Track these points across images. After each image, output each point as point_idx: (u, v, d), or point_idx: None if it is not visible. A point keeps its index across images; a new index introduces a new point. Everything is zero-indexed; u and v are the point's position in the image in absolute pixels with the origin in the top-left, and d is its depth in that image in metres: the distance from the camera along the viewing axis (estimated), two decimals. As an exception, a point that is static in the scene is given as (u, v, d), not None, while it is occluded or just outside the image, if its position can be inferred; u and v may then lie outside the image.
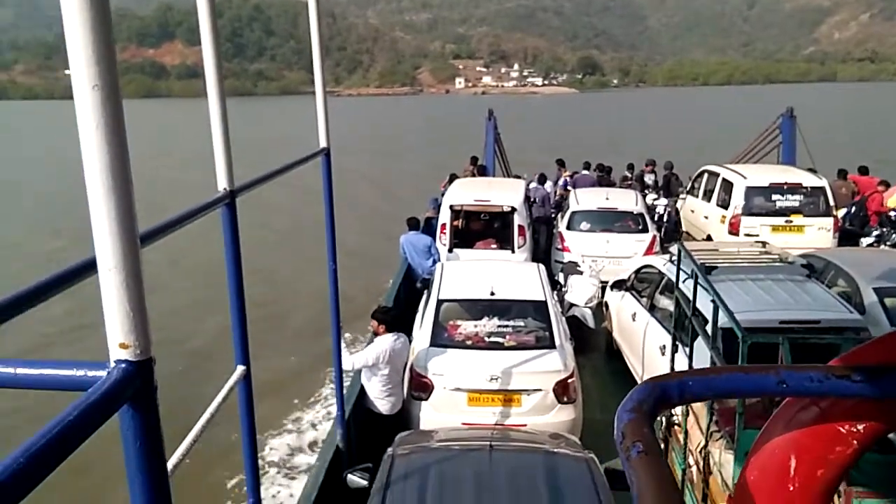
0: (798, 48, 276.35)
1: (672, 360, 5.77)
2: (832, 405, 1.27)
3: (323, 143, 4.40)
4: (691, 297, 5.61)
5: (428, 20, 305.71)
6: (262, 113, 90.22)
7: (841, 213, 12.22)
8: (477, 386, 6.30)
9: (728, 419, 4.30)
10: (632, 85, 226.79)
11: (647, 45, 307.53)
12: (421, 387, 6.37)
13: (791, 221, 11.45)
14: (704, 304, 5.69)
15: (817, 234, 11.38)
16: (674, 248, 8.01)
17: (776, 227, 11.43)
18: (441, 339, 6.71)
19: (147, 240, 1.73)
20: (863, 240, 12.26)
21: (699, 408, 4.75)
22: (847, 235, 12.07)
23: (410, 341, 6.90)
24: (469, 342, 6.70)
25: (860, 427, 1.27)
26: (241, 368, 2.98)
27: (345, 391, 5.81)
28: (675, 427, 5.58)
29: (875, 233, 12.30)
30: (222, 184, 2.73)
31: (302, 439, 8.76)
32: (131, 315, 1.06)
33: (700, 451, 4.45)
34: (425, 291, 8.59)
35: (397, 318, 6.75)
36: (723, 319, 5.26)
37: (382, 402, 6.35)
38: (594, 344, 9.42)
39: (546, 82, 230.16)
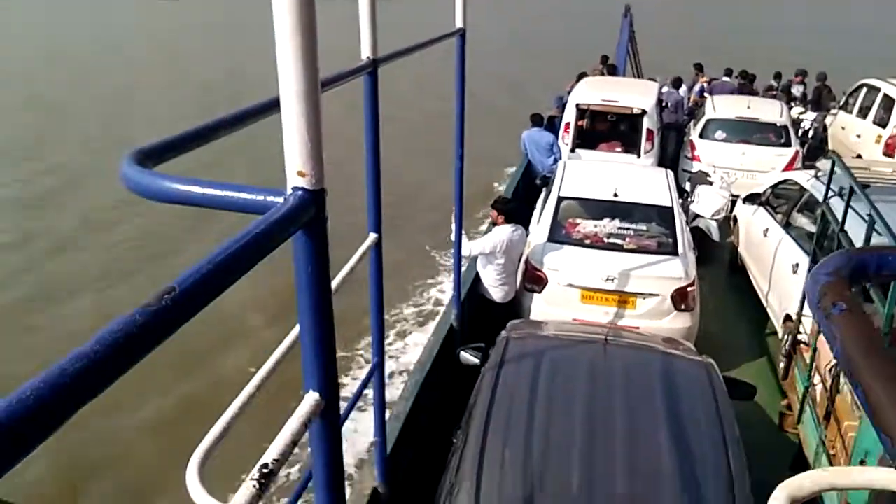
0: None
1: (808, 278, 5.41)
2: None
3: (460, 24, 4.28)
4: (840, 216, 5.18)
5: None
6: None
7: None
8: (592, 284, 6.23)
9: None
10: None
11: None
12: (535, 280, 6.37)
13: None
14: (852, 225, 5.26)
15: None
16: (822, 164, 7.39)
17: None
18: (559, 235, 6.63)
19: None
20: None
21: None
22: None
23: (527, 235, 6.86)
24: (587, 241, 6.59)
25: None
26: (373, 236, 3.06)
27: (462, 277, 5.91)
28: (802, 345, 5.31)
29: None
30: (366, 52, 2.74)
31: (418, 317, 9.18)
32: (309, 146, 1.09)
33: (830, 370, 4.22)
34: (544, 188, 8.45)
35: (516, 209, 6.70)
36: (879, 239, 4.85)
37: (496, 290, 6.42)
38: (717, 258, 9.03)
39: None
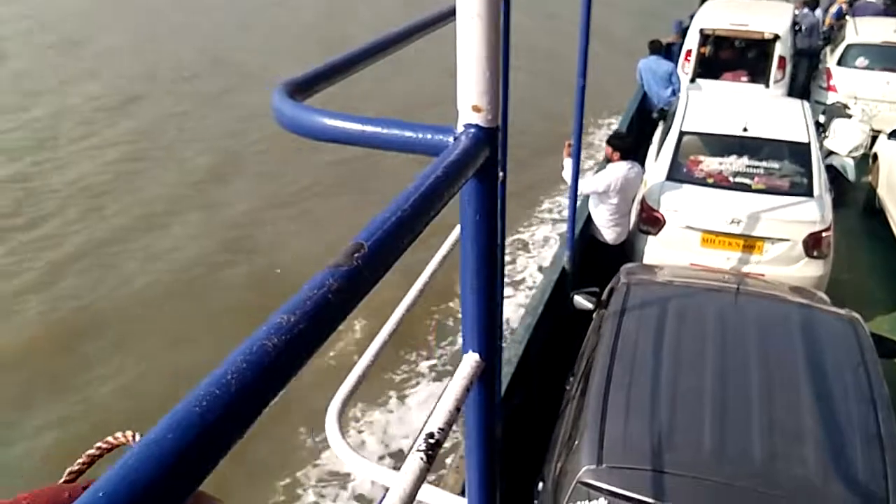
0: None
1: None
2: None
3: None
4: None
5: None
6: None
7: None
8: (714, 227, 5.84)
9: None
10: None
11: None
12: (651, 221, 6.04)
13: None
14: None
15: None
16: None
17: None
18: (679, 173, 6.22)
19: None
20: None
21: None
22: None
23: (644, 173, 6.49)
24: (710, 180, 6.15)
25: None
26: (499, 174, 2.91)
27: (576, 216, 5.68)
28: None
29: None
30: None
31: (531, 258, 9.08)
32: (487, 75, 0.93)
33: None
34: (661, 122, 7.96)
35: (633, 146, 6.32)
36: None
37: (608, 231, 6.15)
38: (851, 199, 8.29)
39: None
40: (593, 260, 6.11)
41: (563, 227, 6.81)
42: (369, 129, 1.04)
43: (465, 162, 0.93)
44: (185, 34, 20.02)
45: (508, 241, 9.31)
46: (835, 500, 2.62)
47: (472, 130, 0.97)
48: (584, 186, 6.00)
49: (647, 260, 6.01)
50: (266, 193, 10.84)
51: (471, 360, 1.14)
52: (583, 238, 6.20)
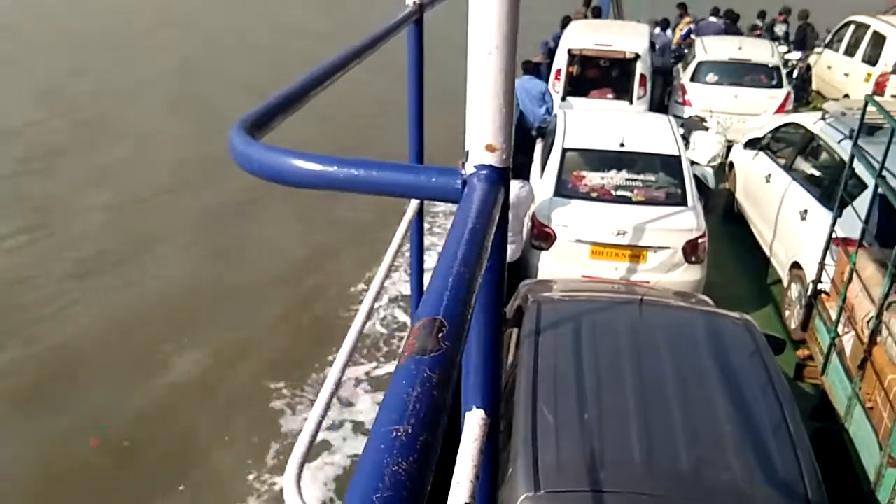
0: None
1: (832, 225, 5.30)
2: None
3: None
4: (861, 157, 5.05)
5: None
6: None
7: None
8: (602, 239, 6.07)
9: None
10: None
11: None
12: (543, 236, 6.18)
13: None
14: (862, 167, 5.15)
15: None
16: (829, 105, 7.24)
17: None
18: (565, 189, 6.42)
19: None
20: None
21: (870, 275, 4.36)
22: None
23: None
24: (594, 194, 6.40)
25: None
26: (414, 202, 2.84)
27: None
28: (823, 294, 5.24)
29: None
30: None
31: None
32: (503, 112, 0.86)
33: (868, 321, 4.12)
34: (539, 140, 8.20)
35: (523, 165, 6.46)
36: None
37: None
38: (713, 205, 8.91)
39: None
40: None
41: None
42: (361, 172, 0.94)
43: (489, 211, 0.85)
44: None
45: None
46: (763, 503, 2.73)
47: (485, 172, 0.89)
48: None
49: (541, 275, 6.14)
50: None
51: (477, 417, 1.05)
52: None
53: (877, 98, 10.00)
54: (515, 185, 6.01)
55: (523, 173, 6.41)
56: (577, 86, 10.03)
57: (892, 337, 3.80)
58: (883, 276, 4.14)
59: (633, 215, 6.13)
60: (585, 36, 10.01)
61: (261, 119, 1.11)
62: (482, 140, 0.89)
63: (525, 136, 8.88)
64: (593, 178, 6.49)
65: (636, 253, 6.08)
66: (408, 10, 2.39)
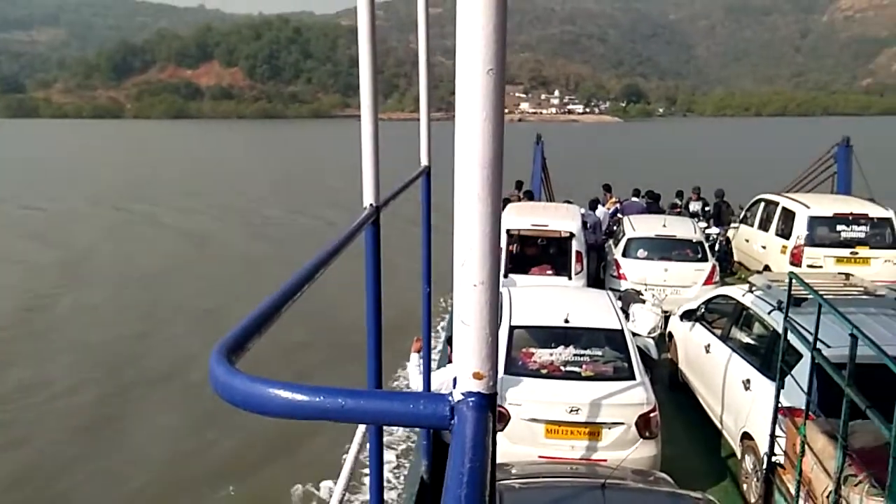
0: (854, 79, 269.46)
1: (777, 397, 5.41)
2: None
3: (425, 162, 4.28)
4: (793, 329, 5.28)
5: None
6: (297, 136, 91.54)
7: None
8: (556, 417, 5.98)
9: (868, 462, 3.95)
10: (678, 114, 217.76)
11: (694, 73, 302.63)
12: (496, 417, 6.06)
13: (856, 253, 11.05)
14: (799, 337, 5.38)
15: (884, 267, 10.96)
16: (755, 279, 7.68)
17: (840, 258, 11.04)
18: (515, 367, 6.41)
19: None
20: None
21: (821, 448, 4.39)
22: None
23: None
24: (545, 371, 6.40)
25: None
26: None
27: None
28: (780, 468, 5.21)
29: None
30: (368, 199, 2.60)
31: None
32: (489, 339, 0.88)
33: (828, 496, 4.09)
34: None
35: None
36: (834, 353, 4.95)
37: (455, 432, 6.03)
38: (657, 376, 9.02)
39: (587, 110, 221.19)
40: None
41: (415, 435, 6.60)
42: (348, 402, 0.92)
43: (480, 442, 0.83)
44: None
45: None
46: None
47: (474, 400, 0.88)
48: (434, 383, 5.93)
49: (497, 458, 5.93)
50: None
51: None
52: (437, 442, 6.02)
53: (795, 269, 10.77)
54: None
55: None
56: (518, 263, 10.43)
57: (856, 512, 3.75)
58: (834, 449, 4.18)
59: (584, 391, 6.11)
60: (522, 217, 10.58)
61: (237, 343, 1.09)
62: (470, 367, 0.89)
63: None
64: (542, 355, 6.53)
65: (591, 430, 5.99)
66: (365, 212, 2.47)
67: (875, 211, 11.36)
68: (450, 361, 6.18)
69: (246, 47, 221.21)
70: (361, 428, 2.60)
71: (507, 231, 10.12)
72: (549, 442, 6.00)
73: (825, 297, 6.41)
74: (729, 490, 6.67)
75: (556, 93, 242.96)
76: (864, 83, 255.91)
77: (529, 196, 14.56)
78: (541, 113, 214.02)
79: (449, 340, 6.52)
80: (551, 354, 6.52)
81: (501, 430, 6.03)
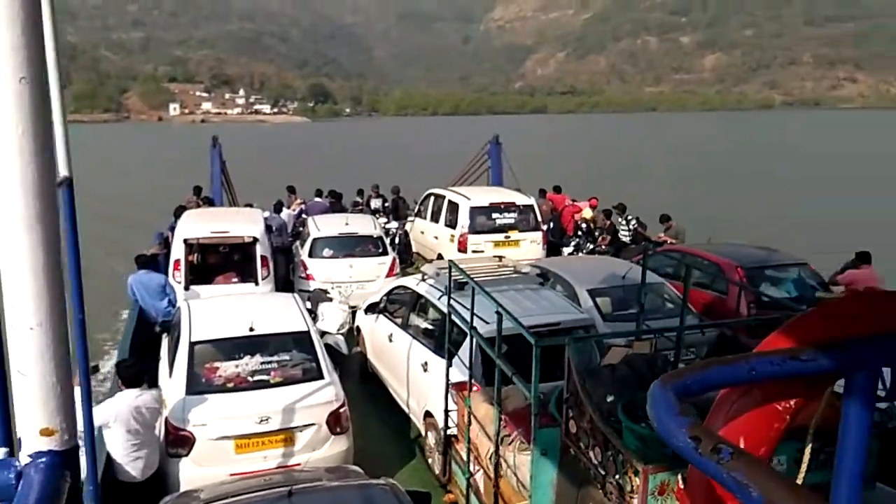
0: (509, 82, 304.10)
1: (447, 374, 5.94)
2: (771, 387, 1.39)
3: (64, 173, 3.71)
4: (455, 312, 5.87)
5: (140, 39, 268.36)
6: None
7: (545, 227, 13.89)
8: (245, 431, 5.84)
9: (518, 421, 4.55)
10: (364, 113, 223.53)
11: (375, 74, 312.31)
12: (179, 441, 5.70)
13: (509, 237, 12.70)
14: (460, 319, 6.01)
15: (530, 247, 12.77)
16: (426, 268, 8.34)
17: (497, 242, 12.57)
18: (198, 385, 6.10)
19: None
20: (564, 249, 14.11)
21: (483, 415, 4.95)
22: (551, 246, 13.75)
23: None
24: (231, 384, 6.20)
25: (792, 403, 1.40)
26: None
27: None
28: (454, 439, 5.76)
29: (573, 242, 14.25)
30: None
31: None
32: (60, 394, 0.81)
33: (490, 457, 4.63)
34: (164, 336, 7.76)
35: (140, 371, 5.89)
36: (490, 329, 5.60)
37: (131, 467, 5.50)
38: (349, 370, 9.35)
39: (276, 110, 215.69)
40: None
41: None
42: None
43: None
44: None
45: None
46: None
47: (45, 460, 0.81)
48: (97, 418, 5.32)
49: (183, 485, 5.57)
50: None
51: None
52: (107, 482, 5.41)
53: (462, 255, 11.98)
54: (131, 394, 5.49)
55: (148, 377, 5.93)
56: (201, 273, 9.91)
57: (511, 468, 4.31)
58: (493, 414, 4.75)
59: (273, 399, 6.05)
60: (201, 224, 10.07)
61: None
62: (36, 425, 0.79)
63: (148, 334, 8.32)
64: (227, 368, 6.31)
65: (284, 436, 5.97)
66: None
67: (521, 199, 13.17)
68: (120, 389, 5.61)
69: None
70: None
71: (185, 241, 9.55)
72: (241, 457, 5.83)
73: (484, 278, 7.27)
74: (418, 468, 7.18)
75: (242, 92, 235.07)
76: (518, 85, 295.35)
77: (209, 202, 13.92)
78: (226, 113, 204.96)
79: (118, 365, 5.92)
80: (237, 366, 6.33)
81: (186, 454, 5.70)
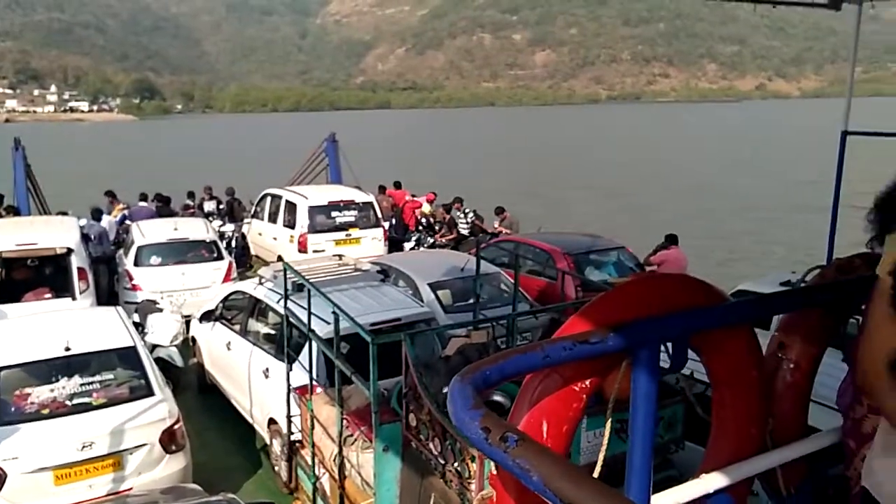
0: (350, 77, 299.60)
1: (288, 379, 5.80)
2: (567, 370, 1.48)
3: None
4: (293, 315, 5.75)
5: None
6: None
7: (386, 224, 13.97)
8: (65, 459, 5.37)
9: (362, 420, 4.54)
10: (198, 110, 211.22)
11: (206, 69, 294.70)
12: None
13: (350, 235, 12.63)
14: (299, 321, 5.89)
15: (371, 244, 12.80)
16: (263, 271, 8.07)
17: (338, 240, 12.47)
18: (6, 415, 5.53)
19: None
20: (405, 244, 14.28)
21: (326, 417, 4.90)
22: (392, 242, 13.87)
23: None
24: (46, 411, 5.66)
25: (587, 383, 1.50)
26: None
27: None
28: (299, 444, 5.64)
29: (413, 238, 14.47)
30: None
31: None
32: None
33: (334, 459, 4.59)
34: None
35: None
36: (325, 329, 5.54)
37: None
38: (186, 383, 8.86)
39: (96, 107, 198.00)
40: None
41: None
42: None
43: None
44: None
45: None
46: None
47: None
48: None
49: None
50: None
51: None
52: None
53: (303, 255, 11.73)
54: None
55: None
56: (7, 291, 8.92)
57: (355, 468, 4.30)
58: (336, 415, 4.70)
59: (97, 422, 5.61)
60: (4, 236, 9.05)
61: None
62: None
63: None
64: (41, 393, 5.75)
65: (111, 461, 5.55)
66: None
67: (360, 197, 13.15)
68: None
69: None
70: None
71: None
72: (62, 489, 5.36)
73: (324, 278, 7.17)
74: (264, 477, 6.97)
75: (53, 88, 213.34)
76: (359, 80, 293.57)
77: (15, 211, 12.54)
78: (35, 112, 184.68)
79: None
80: (52, 390, 5.79)
81: (-2, 493, 5.12)
